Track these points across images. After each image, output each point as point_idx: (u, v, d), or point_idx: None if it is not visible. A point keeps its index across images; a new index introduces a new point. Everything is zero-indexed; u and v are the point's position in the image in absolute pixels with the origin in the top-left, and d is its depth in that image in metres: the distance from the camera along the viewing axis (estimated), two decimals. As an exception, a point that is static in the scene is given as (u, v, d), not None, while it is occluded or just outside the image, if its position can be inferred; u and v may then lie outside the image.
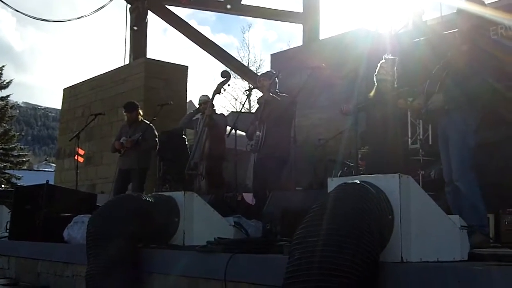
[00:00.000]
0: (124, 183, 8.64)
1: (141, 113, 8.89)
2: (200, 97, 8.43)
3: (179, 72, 13.66)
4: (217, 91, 7.51)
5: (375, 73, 6.36)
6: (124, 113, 8.91)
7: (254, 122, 6.94)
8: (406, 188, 2.96)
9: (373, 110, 6.28)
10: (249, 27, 34.21)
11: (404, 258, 2.90)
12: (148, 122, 8.59)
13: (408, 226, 2.92)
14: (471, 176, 4.75)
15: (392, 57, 6.30)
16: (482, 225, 4.60)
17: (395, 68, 6.26)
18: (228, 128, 7.35)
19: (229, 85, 7.54)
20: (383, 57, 6.32)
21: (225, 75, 7.52)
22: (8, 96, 36.45)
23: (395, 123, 6.06)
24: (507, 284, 2.42)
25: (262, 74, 7.67)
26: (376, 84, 6.33)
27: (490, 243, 4.53)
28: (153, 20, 14.81)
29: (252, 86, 11.12)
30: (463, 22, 5.07)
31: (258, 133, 6.74)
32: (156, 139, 8.70)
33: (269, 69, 10.92)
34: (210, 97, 7.81)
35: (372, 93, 6.34)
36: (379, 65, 6.29)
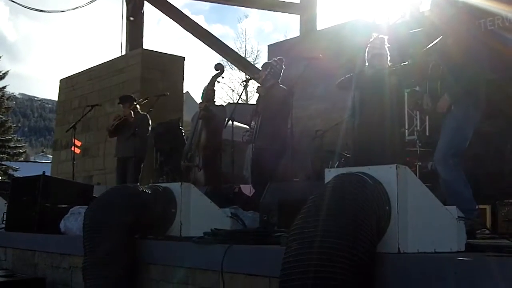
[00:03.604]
0: (124, 172, 8.79)
1: (138, 106, 9.01)
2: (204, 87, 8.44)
3: (175, 63, 13.60)
4: (211, 83, 7.51)
5: (366, 51, 6.03)
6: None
7: (252, 113, 6.96)
8: (403, 179, 2.96)
9: (369, 90, 5.91)
10: (246, 17, 34.18)
11: (401, 249, 2.89)
12: (144, 113, 8.72)
13: (405, 217, 2.92)
14: (450, 161, 4.66)
15: (381, 35, 6.08)
16: (469, 209, 4.52)
17: (387, 46, 6.07)
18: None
19: (223, 77, 7.54)
20: (372, 35, 6.12)
21: (219, 67, 7.51)
22: (4, 87, 36.44)
23: (392, 107, 5.78)
24: (504, 275, 2.42)
25: (262, 65, 7.65)
26: (368, 63, 6.03)
27: (481, 226, 4.48)
28: (146, 11, 14.73)
29: (249, 77, 11.09)
30: (443, 14, 4.99)
31: (253, 123, 6.74)
32: (149, 128, 8.93)
33: (266, 59, 10.91)
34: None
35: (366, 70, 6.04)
36: (369, 43, 6.05)
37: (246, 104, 20.82)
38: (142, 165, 8.97)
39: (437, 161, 4.74)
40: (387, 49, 6.02)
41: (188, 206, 4.63)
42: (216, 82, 7.51)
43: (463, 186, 4.64)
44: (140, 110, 8.99)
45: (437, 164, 4.74)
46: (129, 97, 9.25)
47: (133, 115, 8.78)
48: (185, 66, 13.72)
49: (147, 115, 8.75)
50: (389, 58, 6.03)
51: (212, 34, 16.62)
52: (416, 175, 4.98)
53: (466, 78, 4.71)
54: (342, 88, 6.38)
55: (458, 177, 4.65)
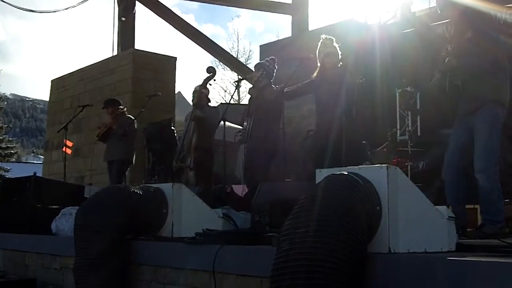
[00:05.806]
0: None
1: (123, 108, 9.06)
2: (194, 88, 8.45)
3: (167, 63, 13.56)
4: (203, 86, 7.53)
5: (317, 52, 6.10)
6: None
7: (244, 113, 6.96)
8: (394, 179, 2.96)
9: (320, 91, 5.98)
10: (237, 17, 34.19)
11: (392, 249, 2.90)
12: (130, 116, 8.73)
13: (395, 217, 2.93)
14: (494, 170, 4.56)
15: (330, 36, 6.14)
16: (496, 221, 4.48)
17: (335, 44, 6.08)
18: (217, 119, 7.34)
19: (215, 80, 7.54)
20: (321, 37, 6.13)
21: (211, 70, 7.53)
22: (-5, 88, 36.33)
23: (349, 104, 5.70)
24: (494, 275, 2.43)
25: (255, 65, 7.65)
26: (320, 63, 6.10)
27: (506, 233, 4.48)
28: (137, 10, 14.69)
29: (241, 78, 11.09)
30: (453, 10, 4.94)
31: (245, 124, 6.75)
32: (135, 131, 9.01)
33: (258, 60, 10.91)
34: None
35: (315, 74, 6.13)
36: (319, 44, 6.11)
37: (238, 104, 20.84)
38: (127, 169, 8.99)
39: (480, 170, 4.55)
40: (337, 48, 6.07)
41: (180, 206, 4.63)
42: (208, 85, 7.53)
43: (498, 197, 4.57)
44: (127, 114, 9.02)
45: (481, 173, 4.55)
46: (112, 101, 9.21)
47: (117, 119, 8.78)
48: (176, 66, 13.71)
49: (133, 118, 8.73)
50: (340, 57, 6.07)
51: (204, 34, 16.61)
52: (407, 175, 4.99)
53: (487, 77, 4.61)
54: (290, 98, 6.44)
55: (496, 187, 4.56)
